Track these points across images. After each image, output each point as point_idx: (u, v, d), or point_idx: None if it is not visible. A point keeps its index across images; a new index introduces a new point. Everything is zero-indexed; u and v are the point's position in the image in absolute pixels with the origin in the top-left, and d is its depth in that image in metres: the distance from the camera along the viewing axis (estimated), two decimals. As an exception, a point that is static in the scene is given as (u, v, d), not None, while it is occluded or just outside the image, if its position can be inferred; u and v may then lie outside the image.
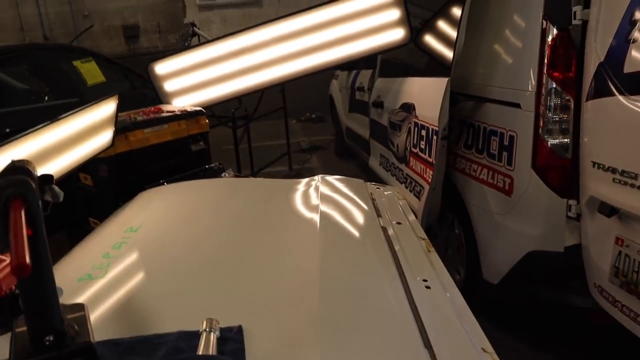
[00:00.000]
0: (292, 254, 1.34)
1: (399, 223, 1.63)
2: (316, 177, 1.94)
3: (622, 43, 1.99)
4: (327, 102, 7.26)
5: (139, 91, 5.48)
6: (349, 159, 6.39)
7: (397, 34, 3.23)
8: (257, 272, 1.25)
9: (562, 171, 2.39)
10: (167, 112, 2.88)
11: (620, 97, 1.99)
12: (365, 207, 1.70)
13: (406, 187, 3.36)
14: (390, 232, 1.53)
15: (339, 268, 1.27)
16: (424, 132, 3.03)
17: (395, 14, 3.18)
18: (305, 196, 1.76)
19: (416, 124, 3.16)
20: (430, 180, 2.91)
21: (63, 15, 8.28)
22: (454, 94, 2.76)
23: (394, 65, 4.00)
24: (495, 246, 2.78)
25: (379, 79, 4.25)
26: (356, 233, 1.54)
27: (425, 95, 3.09)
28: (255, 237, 1.46)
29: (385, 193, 1.94)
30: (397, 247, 1.41)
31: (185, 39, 4.33)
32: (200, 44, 3.53)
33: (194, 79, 3.32)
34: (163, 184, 2.37)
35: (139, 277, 1.30)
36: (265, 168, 5.84)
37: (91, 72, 5.09)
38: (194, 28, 4.36)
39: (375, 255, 1.37)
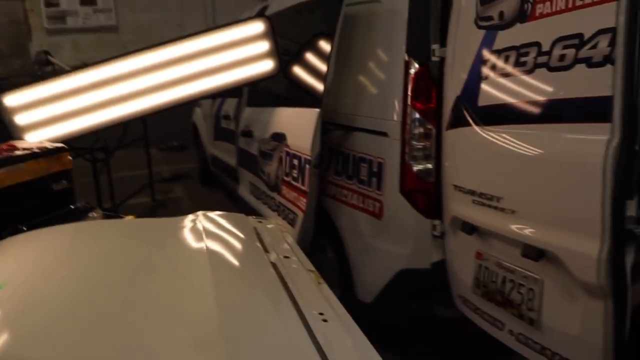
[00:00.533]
0: (185, 299, 1.29)
1: (286, 257, 1.65)
2: (198, 214, 1.90)
3: (475, 79, 2.22)
4: (190, 130, 7.12)
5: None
6: (215, 188, 6.30)
7: (267, 66, 3.29)
8: (150, 323, 1.19)
9: (427, 194, 2.58)
10: (24, 149, 2.64)
11: (476, 127, 2.21)
12: (252, 243, 1.71)
13: (279, 215, 3.40)
14: (280, 267, 1.55)
15: (236, 310, 1.26)
16: (295, 161, 3.10)
17: (264, 46, 3.24)
18: (189, 236, 1.72)
19: (287, 153, 3.23)
20: (303, 208, 2.98)
21: None
22: (324, 124, 2.87)
23: (262, 95, 4.05)
24: (367, 267, 2.91)
25: (247, 109, 4.28)
26: (248, 271, 1.54)
27: (296, 125, 3.18)
28: (142, 284, 1.39)
29: (268, 227, 1.96)
30: (289, 283, 1.43)
31: (39, 67, 3.99)
32: (57, 73, 3.29)
33: (49, 111, 3.08)
34: (23, 230, 2.16)
35: (12, 346, 1.16)
36: (127, 200, 5.55)
37: None
38: (49, 57, 4.05)
39: (271, 292, 1.38)
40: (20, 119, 3.09)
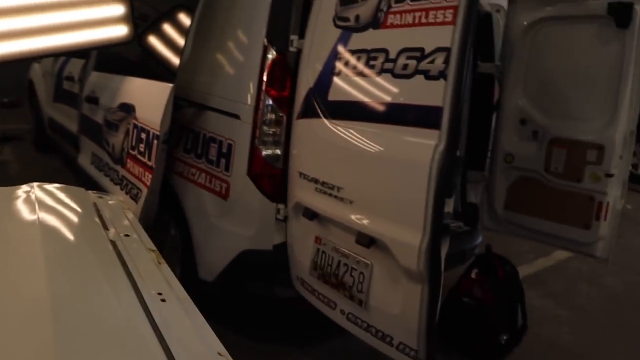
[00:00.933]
0: (14, 278, 1.22)
1: (127, 235, 1.62)
2: (32, 185, 1.77)
3: (328, 74, 2.33)
4: (26, 86, 6.49)
5: None
6: (51, 153, 5.84)
7: (120, 31, 3.10)
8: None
9: (273, 179, 2.66)
10: None
11: (324, 120, 2.33)
12: (90, 219, 1.65)
13: (121, 189, 3.27)
14: (120, 245, 1.52)
15: (70, 289, 1.22)
16: (143, 135, 3.00)
17: (119, 9, 3.05)
18: (22, 208, 1.60)
19: (135, 126, 3.11)
20: (148, 184, 2.90)
21: None
22: (176, 99, 2.81)
23: (112, 60, 3.82)
24: (211, 246, 2.93)
25: (94, 73, 4.01)
26: (84, 249, 1.49)
27: (148, 97, 3.06)
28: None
29: (110, 203, 1.90)
30: (128, 261, 1.42)
31: None
32: None
33: None
34: None
35: None
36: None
37: None
38: None
39: (108, 271, 1.35)
40: None
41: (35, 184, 1.78)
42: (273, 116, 2.61)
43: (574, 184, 2.89)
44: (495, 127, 3.22)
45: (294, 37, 2.56)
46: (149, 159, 2.92)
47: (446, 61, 1.80)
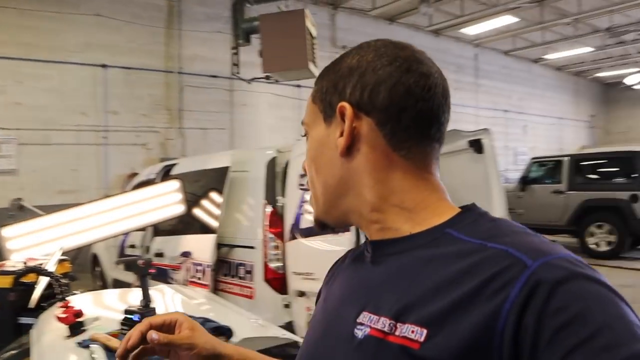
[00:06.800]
0: None
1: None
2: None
3: (299, 215, 4.33)
4: (90, 260, 8.49)
5: None
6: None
7: (179, 209, 5.19)
8: None
9: (279, 280, 4.54)
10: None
11: (301, 239, 4.28)
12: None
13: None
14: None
15: None
16: (199, 268, 4.94)
17: (178, 196, 5.17)
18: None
19: (193, 263, 5.07)
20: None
21: None
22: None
23: (167, 228, 5.86)
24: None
25: (156, 238, 6.05)
26: None
27: (200, 244, 5.06)
28: None
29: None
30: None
31: (14, 210, 5.30)
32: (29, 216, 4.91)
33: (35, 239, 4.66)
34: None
35: None
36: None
37: None
38: (21, 202, 5.41)
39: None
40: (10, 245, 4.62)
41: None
42: (274, 244, 4.56)
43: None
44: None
45: (279, 197, 4.61)
46: (205, 281, 4.83)
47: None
